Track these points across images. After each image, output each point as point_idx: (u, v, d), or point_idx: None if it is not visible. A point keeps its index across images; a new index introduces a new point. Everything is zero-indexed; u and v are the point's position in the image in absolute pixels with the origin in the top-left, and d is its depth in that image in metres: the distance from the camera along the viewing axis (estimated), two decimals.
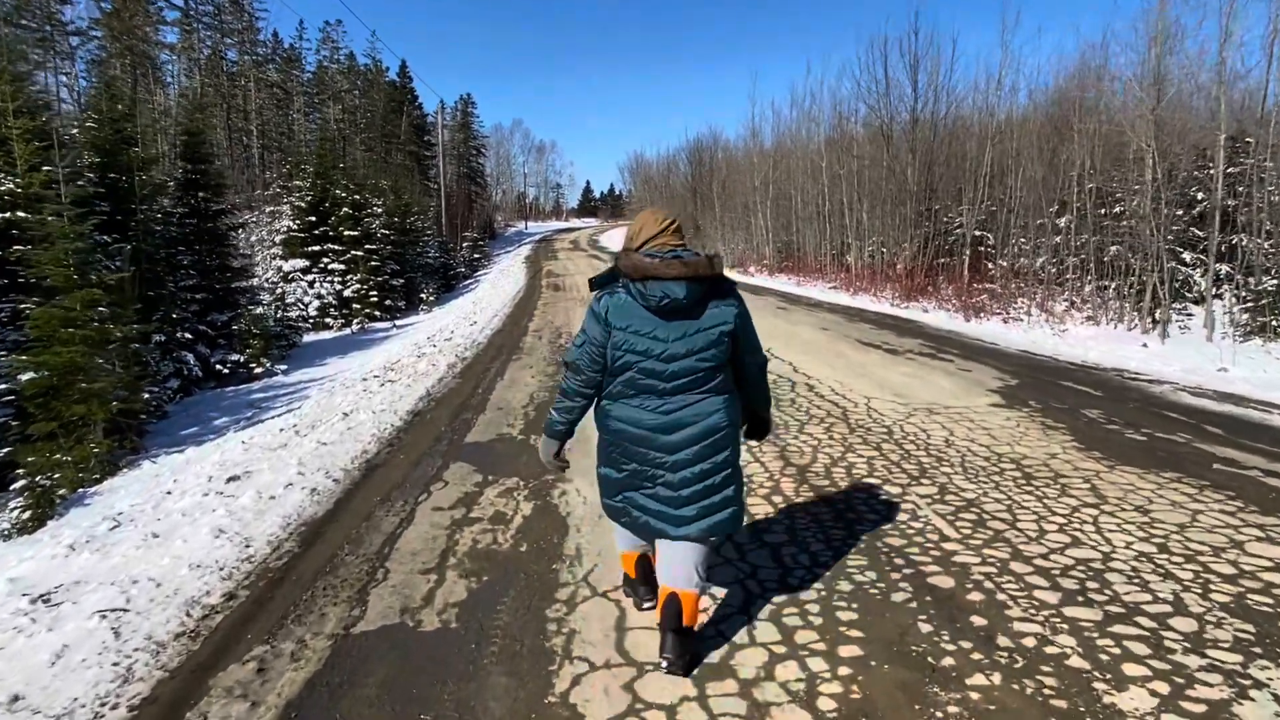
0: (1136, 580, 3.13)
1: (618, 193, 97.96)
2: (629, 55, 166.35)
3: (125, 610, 3.20)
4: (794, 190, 27.95)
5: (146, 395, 10.32)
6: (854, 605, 2.96)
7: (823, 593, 3.07)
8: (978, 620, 2.82)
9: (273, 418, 8.59)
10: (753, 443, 3.18)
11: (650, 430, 2.50)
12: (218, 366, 14.02)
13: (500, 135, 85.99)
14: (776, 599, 3.04)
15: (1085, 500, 4.05)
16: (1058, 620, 2.82)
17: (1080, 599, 2.97)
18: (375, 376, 9.07)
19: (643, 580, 2.93)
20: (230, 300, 16.45)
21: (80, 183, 13.14)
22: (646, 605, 2.93)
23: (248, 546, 3.81)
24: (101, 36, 33.79)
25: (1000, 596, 3.00)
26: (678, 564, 2.56)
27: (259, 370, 14.14)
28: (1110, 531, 3.63)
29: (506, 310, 16.01)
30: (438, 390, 7.66)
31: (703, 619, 2.88)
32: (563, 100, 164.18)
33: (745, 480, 4.45)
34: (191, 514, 4.44)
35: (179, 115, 24.47)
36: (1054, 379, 7.54)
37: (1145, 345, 10.93)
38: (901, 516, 3.86)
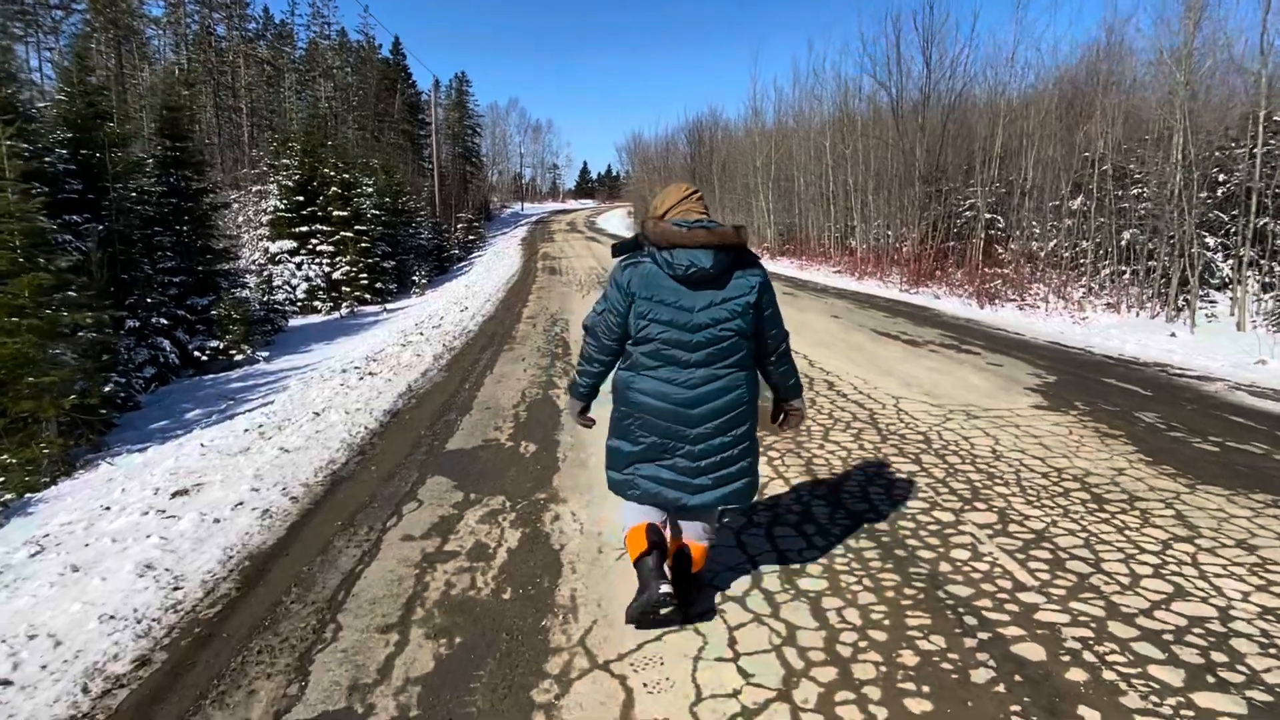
0: (1273, 650, 2.50)
1: (615, 174, 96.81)
2: (628, 33, 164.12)
3: (7, 683, 2.56)
4: (796, 171, 27.17)
5: (113, 386, 9.66)
6: (925, 689, 2.32)
7: (883, 668, 2.43)
8: (1089, 715, 2.19)
9: (245, 412, 7.94)
10: (787, 432, 3.02)
11: (675, 405, 2.51)
12: (196, 353, 13.35)
13: (496, 114, 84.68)
14: (823, 674, 2.40)
15: (1174, 532, 3.42)
16: (1191, 715, 2.19)
17: (1210, 679, 2.34)
18: (356, 368, 8.40)
19: (656, 561, 2.59)
20: (212, 283, 15.73)
21: (48, 159, 12.44)
22: (663, 591, 2.53)
23: (176, 589, 3.17)
24: (84, 9, 32.76)
25: (1108, 676, 2.36)
26: (689, 525, 2.74)
27: (239, 357, 13.46)
28: (1218, 577, 3.00)
29: (500, 295, 15.31)
30: (421, 385, 7.00)
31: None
32: (560, 79, 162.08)
33: (773, 505, 3.82)
34: (124, 539, 3.80)
35: (160, 90, 23.51)
36: (1094, 375, 6.90)
37: (1174, 335, 10.30)
38: (960, 554, 3.23)
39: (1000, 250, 17.88)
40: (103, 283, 11.03)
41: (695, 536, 2.74)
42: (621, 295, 2.50)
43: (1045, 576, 3.01)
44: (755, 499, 3.45)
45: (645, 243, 2.50)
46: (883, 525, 3.53)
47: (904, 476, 4.17)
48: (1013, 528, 3.48)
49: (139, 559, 3.45)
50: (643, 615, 2.61)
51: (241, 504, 4.09)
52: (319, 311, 21.82)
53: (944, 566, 3.11)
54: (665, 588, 2.53)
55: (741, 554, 3.27)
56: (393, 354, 8.99)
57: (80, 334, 9.34)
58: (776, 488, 4.04)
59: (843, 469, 4.31)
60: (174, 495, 4.46)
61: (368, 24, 67.03)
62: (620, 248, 2.56)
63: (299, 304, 22.02)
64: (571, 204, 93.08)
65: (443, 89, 67.55)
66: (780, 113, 30.47)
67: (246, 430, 6.13)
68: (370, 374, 7.77)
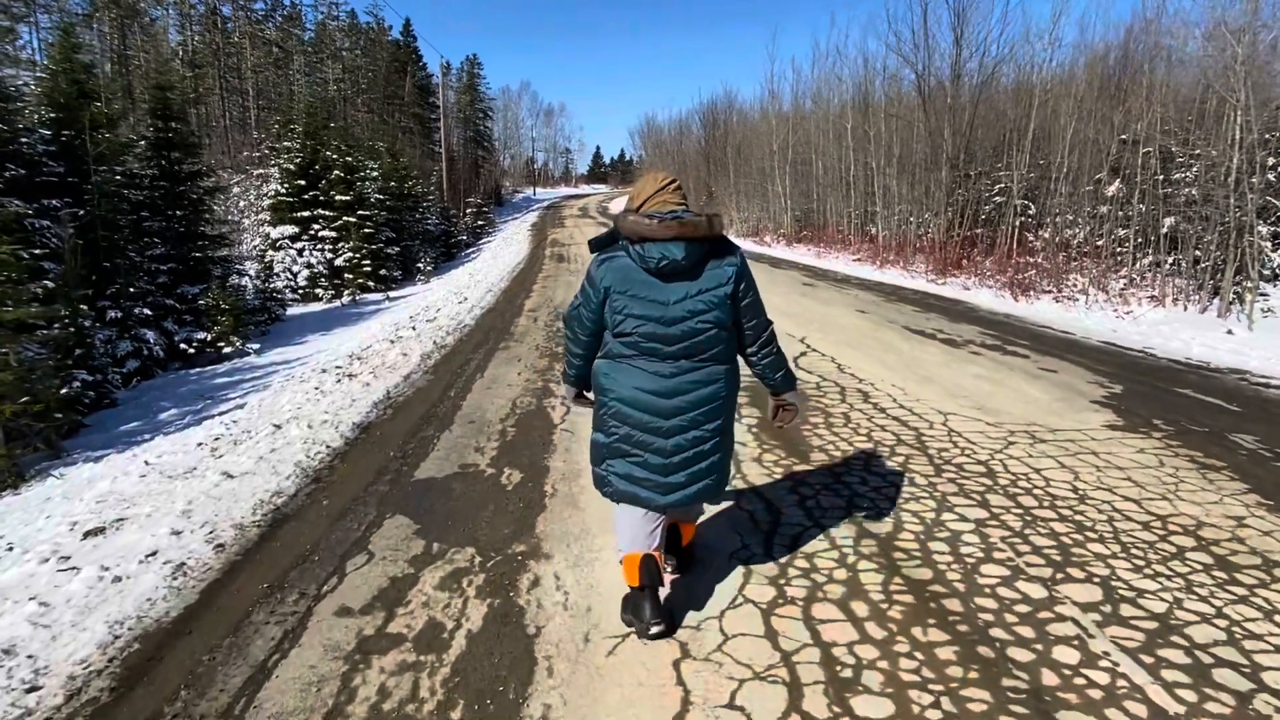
0: None
1: (628, 158, 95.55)
2: (641, 13, 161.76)
3: None
4: (815, 155, 26.15)
5: (78, 385, 8.98)
6: None
7: None
8: None
9: (216, 415, 7.22)
10: (782, 426, 2.84)
11: (650, 394, 2.49)
12: (182, 346, 12.67)
13: (508, 98, 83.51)
14: None
15: None
16: None
17: None
18: (337, 368, 7.66)
19: (650, 593, 2.55)
20: (204, 271, 15.05)
21: (25, 140, 11.74)
22: (655, 630, 2.54)
23: (30, 690, 2.42)
24: None
25: None
26: (676, 515, 2.77)
27: (228, 350, 12.79)
28: None
29: (503, 284, 14.52)
30: (401, 391, 6.23)
31: None
32: (573, 61, 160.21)
33: (810, 567, 3.02)
34: (1, 600, 3.07)
35: (151, 70, 22.79)
36: (1165, 385, 6.04)
37: (1230, 332, 9.39)
38: (1066, 654, 2.42)
39: (1031, 238, 16.92)
40: (78, 270, 10.33)
41: (686, 519, 2.88)
42: (595, 290, 2.51)
43: (1191, 698, 2.20)
44: (786, 547, 2.85)
45: (619, 236, 2.47)
46: (955, 604, 2.72)
47: (971, 527, 3.35)
48: (1126, 610, 2.67)
49: (4, 636, 2.71)
50: (633, 628, 2.63)
51: (155, 554, 3.34)
52: (320, 300, 21.14)
53: (1048, 677, 2.30)
54: (656, 629, 2.53)
55: (772, 648, 2.49)
56: (379, 351, 8.24)
57: (45, 329, 8.67)
58: (815, 542, 3.25)
59: (893, 515, 3.50)
60: (86, 535, 3.72)
61: (377, 6, 65.87)
62: (597, 242, 2.55)
63: (300, 292, 21.35)
64: (584, 189, 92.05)
65: (454, 72, 66.66)
66: (798, 93, 29.46)
67: (200, 444, 5.40)
68: (350, 375, 7.02)
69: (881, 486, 3.83)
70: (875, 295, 11.93)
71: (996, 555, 3.09)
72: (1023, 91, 18.52)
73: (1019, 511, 3.51)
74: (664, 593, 2.71)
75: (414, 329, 9.55)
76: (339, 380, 6.85)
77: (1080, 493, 3.73)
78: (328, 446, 4.75)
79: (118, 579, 3.14)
